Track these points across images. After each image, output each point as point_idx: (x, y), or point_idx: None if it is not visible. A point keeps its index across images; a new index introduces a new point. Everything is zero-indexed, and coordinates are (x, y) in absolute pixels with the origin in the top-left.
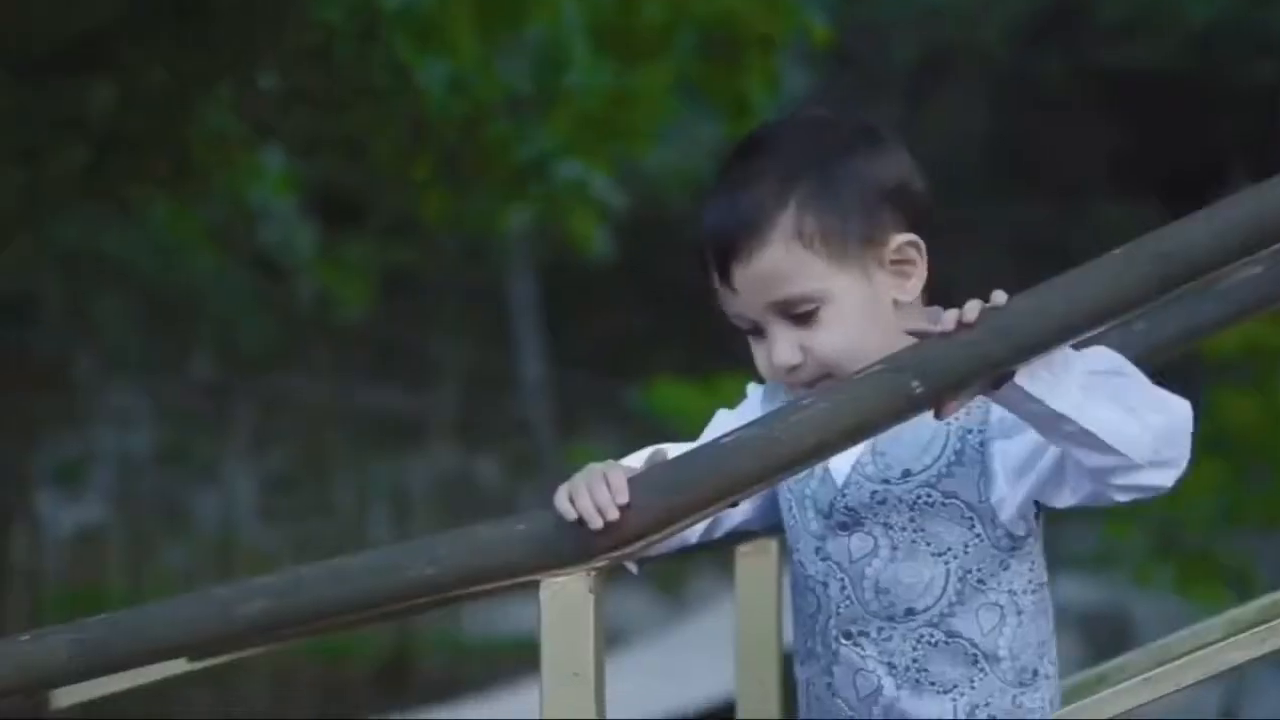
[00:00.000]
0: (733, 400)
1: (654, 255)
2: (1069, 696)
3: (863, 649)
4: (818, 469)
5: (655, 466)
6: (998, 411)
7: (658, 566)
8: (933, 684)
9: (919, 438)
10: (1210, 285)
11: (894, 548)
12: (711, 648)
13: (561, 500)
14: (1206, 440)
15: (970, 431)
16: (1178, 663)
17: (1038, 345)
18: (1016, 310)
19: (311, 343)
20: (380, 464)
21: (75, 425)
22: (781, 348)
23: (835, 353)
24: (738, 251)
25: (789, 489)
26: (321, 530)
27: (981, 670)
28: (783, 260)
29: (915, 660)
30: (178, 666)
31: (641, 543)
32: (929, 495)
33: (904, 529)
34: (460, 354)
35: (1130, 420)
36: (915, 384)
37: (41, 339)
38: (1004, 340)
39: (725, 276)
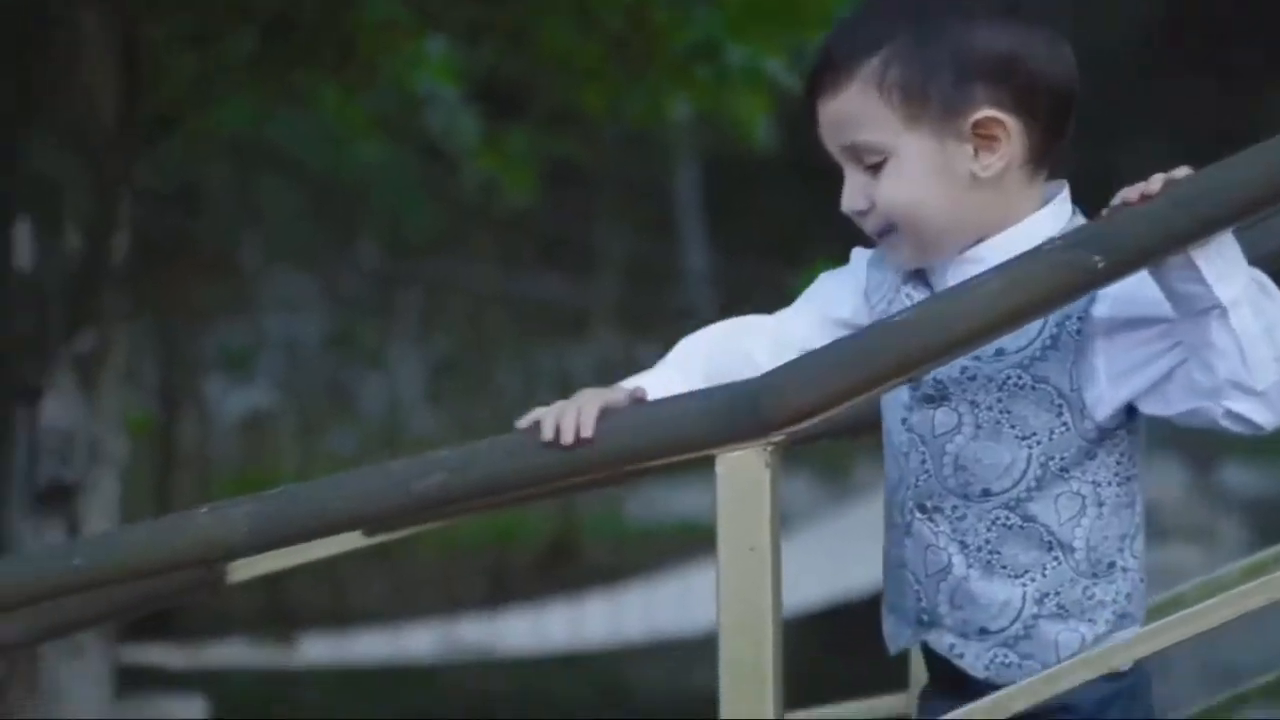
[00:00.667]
0: None
1: (819, 142)
2: (1243, 575)
3: (936, 524)
4: None
5: (834, 343)
6: (1103, 306)
7: (823, 452)
8: (1004, 567)
9: None
10: None
11: (978, 426)
12: (877, 534)
13: (540, 417)
14: None
15: (1069, 318)
16: None
17: (1222, 218)
18: (1200, 184)
19: (476, 230)
20: (544, 351)
21: (243, 312)
22: (850, 191)
23: (895, 208)
24: (823, 87)
25: None
26: (486, 415)
27: (1055, 558)
28: (858, 105)
29: (988, 541)
30: (351, 542)
31: (818, 418)
32: (1019, 377)
33: (990, 408)
34: (623, 243)
35: (1269, 344)
36: (1097, 259)
37: (210, 227)
38: (1187, 213)
39: (811, 109)
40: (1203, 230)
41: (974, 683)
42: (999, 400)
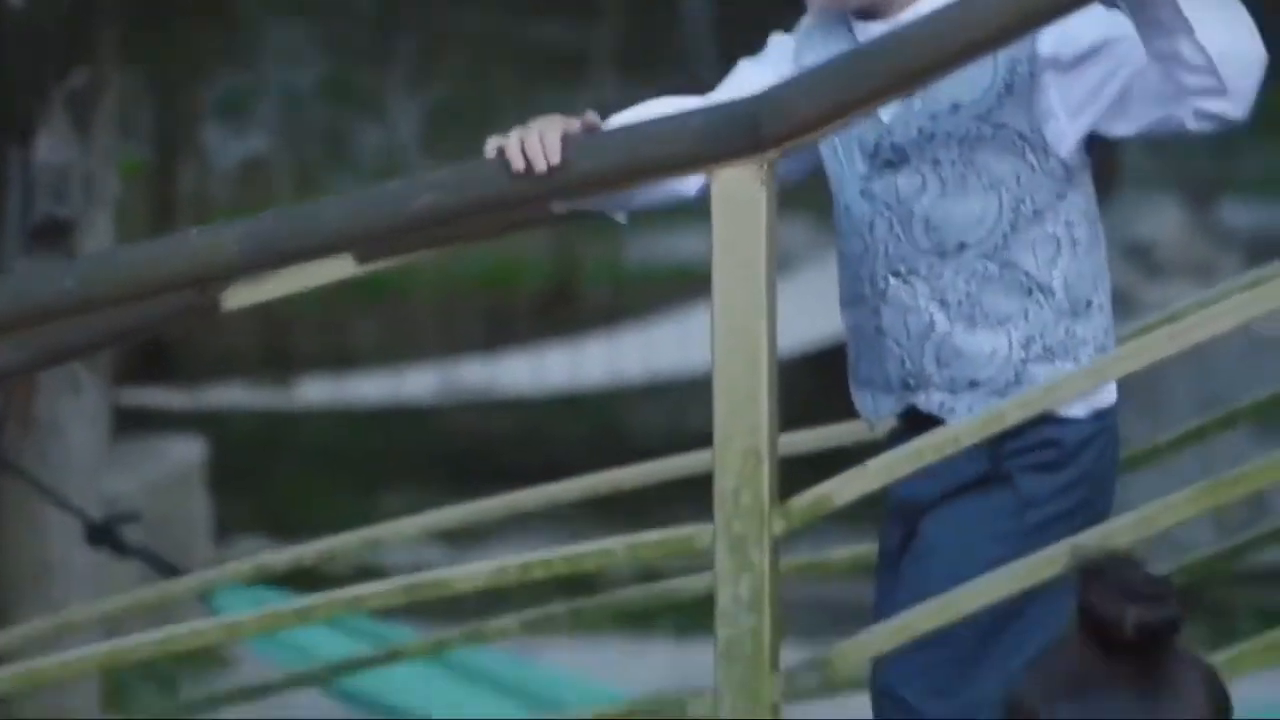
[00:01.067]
0: None
1: None
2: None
3: (913, 287)
4: None
5: (832, 59)
6: (1046, 44)
7: (818, 192)
8: (987, 317)
9: (966, 69)
10: None
11: (943, 183)
12: None
13: (503, 145)
14: None
15: (1019, 61)
16: None
17: None
18: None
19: None
20: (544, 96)
21: (241, 58)
22: None
23: None
24: None
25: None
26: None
27: (1036, 302)
28: None
29: (968, 295)
30: (344, 269)
31: (817, 132)
32: (979, 128)
33: (953, 164)
34: None
35: (1232, 45)
36: None
37: None
38: None
39: None
40: None
41: None
42: (961, 154)
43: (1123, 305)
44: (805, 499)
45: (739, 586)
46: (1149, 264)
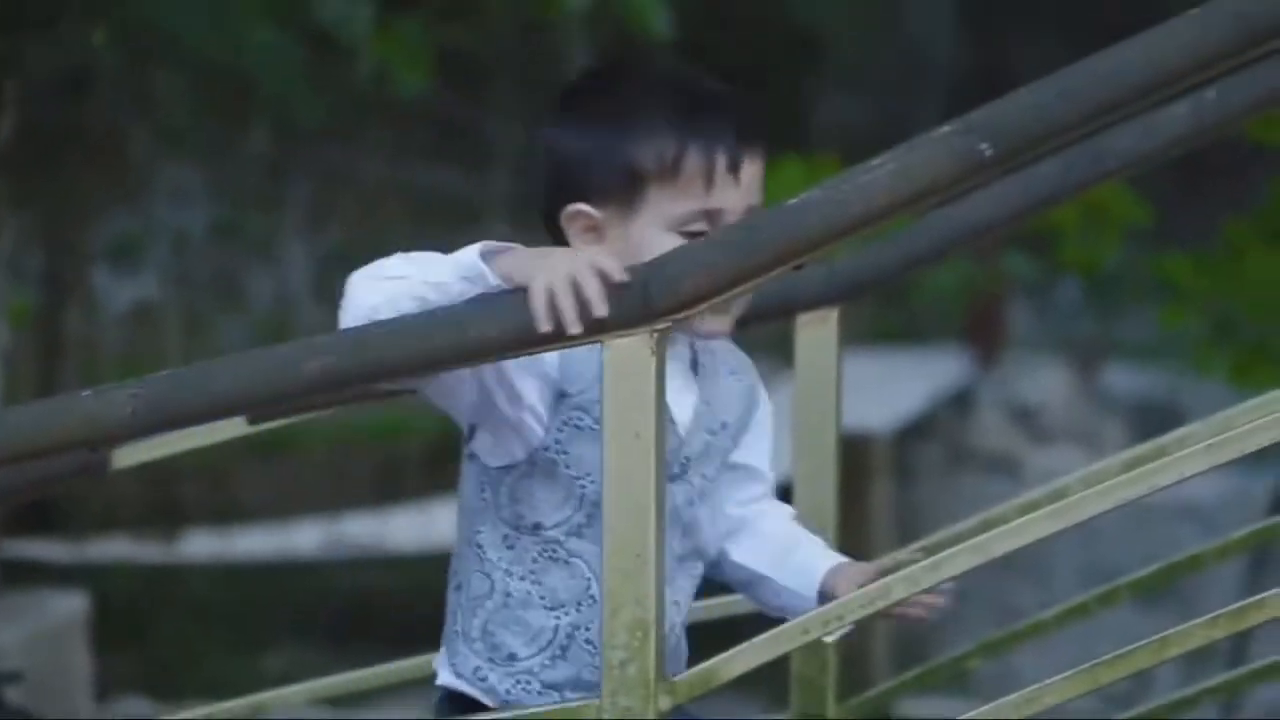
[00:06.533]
0: (797, 183)
1: (716, 35)
2: (1122, 468)
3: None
4: None
5: (723, 229)
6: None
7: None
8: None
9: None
10: None
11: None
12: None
13: (538, 298)
14: (1266, 230)
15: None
16: (1244, 428)
17: (1110, 107)
18: (1089, 71)
19: (368, 121)
20: (436, 243)
21: (131, 202)
22: None
23: None
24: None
25: None
26: None
27: None
28: None
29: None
30: (236, 429)
31: (704, 305)
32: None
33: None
34: (517, 134)
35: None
36: (985, 147)
37: (96, 114)
38: (1072, 102)
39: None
40: (1089, 120)
41: None
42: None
43: (1008, 468)
44: (692, 675)
45: None
46: (1036, 429)
